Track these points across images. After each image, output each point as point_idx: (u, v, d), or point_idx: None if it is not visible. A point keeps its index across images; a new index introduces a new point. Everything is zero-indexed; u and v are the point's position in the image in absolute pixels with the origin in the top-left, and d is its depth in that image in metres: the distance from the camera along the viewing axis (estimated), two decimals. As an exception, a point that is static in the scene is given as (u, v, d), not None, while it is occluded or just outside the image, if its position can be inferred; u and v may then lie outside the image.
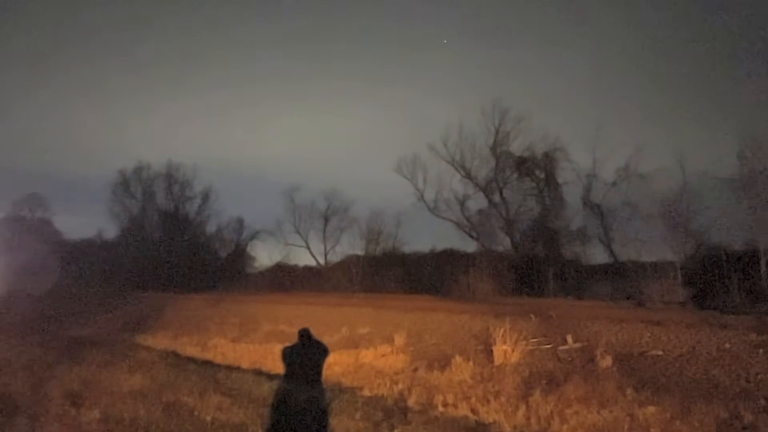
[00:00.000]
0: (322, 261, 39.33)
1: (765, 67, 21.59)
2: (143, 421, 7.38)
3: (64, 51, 74.46)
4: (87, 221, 59.19)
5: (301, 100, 72.96)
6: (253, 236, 43.47)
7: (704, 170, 23.04)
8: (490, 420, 7.61)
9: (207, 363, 12.73)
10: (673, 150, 34.84)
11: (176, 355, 13.91)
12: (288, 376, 5.20)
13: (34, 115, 73.22)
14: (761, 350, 9.33)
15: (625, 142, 32.17)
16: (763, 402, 7.50)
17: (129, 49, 76.26)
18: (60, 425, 7.22)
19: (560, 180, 30.17)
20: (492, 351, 10.91)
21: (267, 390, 8.93)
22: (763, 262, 20.13)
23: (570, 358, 10.56)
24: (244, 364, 12.34)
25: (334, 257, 39.08)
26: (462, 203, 32.23)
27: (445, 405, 8.32)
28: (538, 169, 30.77)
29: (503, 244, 31.20)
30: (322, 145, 65.44)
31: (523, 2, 63.64)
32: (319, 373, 5.28)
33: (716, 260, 21.63)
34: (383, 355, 12.31)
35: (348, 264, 36.02)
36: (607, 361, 9.83)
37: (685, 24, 52.23)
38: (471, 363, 10.51)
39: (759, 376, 8.44)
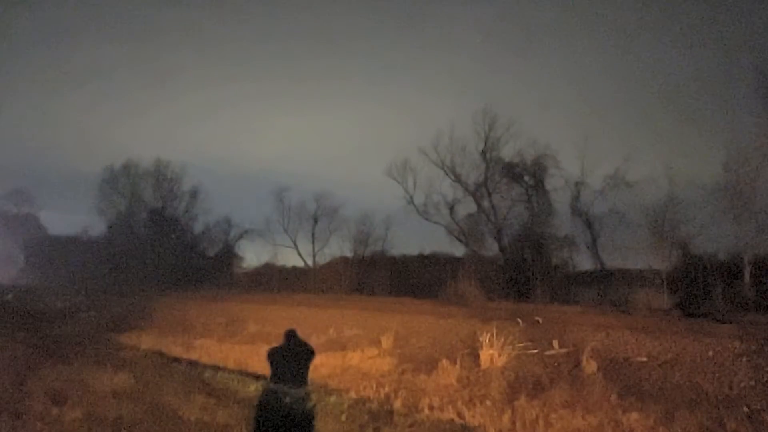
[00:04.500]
0: (310, 262, 39.17)
1: (752, 78, 22.05)
2: (126, 421, 7.32)
3: (53, 47, 73.87)
4: (73, 218, 58.58)
5: (292, 100, 72.86)
6: (241, 236, 43.21)
7: (691, 180, 23.27)
8: (476, 424, 7.64)
9: (192, 363, 12.64)
10: (661, 159, 35.11)
11: (161, 354, 13.81)
12: (274, 377, 5.18)
13: (22, 110, 72.47)
14: (744, 358, 9.42)
15: (613, 150, 32.32)
16: (746, 410, 7.58)
17: (119, 46, 75.78)
18: (42, 424, 7.14)
19: (549, 186, 30.28)
20: (479, 355, 10.93)
21: (252, 391, 8.89)
22: (747, 272, 20.35)
23: (556, 363, 10.60)
24: (230, 365, 12.27)
25: (323, 258, 38.91)
26: (451, 207, 32.23)
27: (431, 408, 8.32)
28: (527, 175, 30.87)
29: (491, 248, 31.24)
30: (313, 145, 65.43)
31: (514, 9, 64.03)
32: (305, 375, 5.26)
33: (701, 269, 21.85)
34: (370, 358, 12.30)
35: (336, 266, 35.92)
36: (592, 367, 9.89)
37: (675, 34, 52.79)
38: (457, 367, 10.53)
39: (742, 384, 8.53)
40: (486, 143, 31.38)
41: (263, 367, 9.60)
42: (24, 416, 7.40)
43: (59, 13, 71.77)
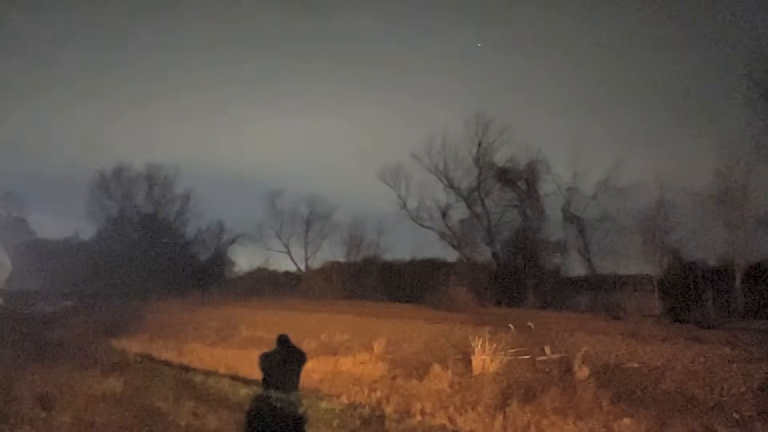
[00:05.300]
0: (302, 267, 39.06)
1: (744, 84, 22.23)
2: (116, 425, 7.28)
3: (43, 49, 73.45)
4: (64, 221, 58.19)
5: (285, 103, 72.56)
6: (234, 240, 43.01)
7: (682, 185, 23.34)
8: (468, 429, 7.64)
9: (183, 367, 12.59)
10: (652, 165, 35.30)
11: (151, 359, 13.75)
12: (265, 382, 5.16)
13: (11, 113, 72.00)
14: (735, 365, 9.45)
15: (605, 156, 32.43)
16: (736, 416, 7.60)
17: (110, 48, 75.44)
18: (31, 428, 7.08)
19: (541, 192, 30.28)
20: (471, 360, 10.92)
21: (244, 396, 8.86)
22: (738, 278, 20.46)
23: (548, 369, 10.61)
24: (221, 370, 12.21)
25: (315, 263, 38.75)
26: (444, 212, 32.22)
27: (422, 413, 8.32)
28: (519, 181, 30.92)
29: (484, 254, 31.23)
30: (306, 150, 65.13)
31: (508, 14, 64.36)
32: (297, 380, 5.25)
33: (692, 275, 21.92)
34: (362, 363, 12.27)
35: (328, 270, 35.78)
36: (584, 373, 9.90)
37: (668, 40, 53.21)
38: (449, 372, 10.52)
39: (732, 390, 8.55)
40: (479, 148, 31.45)
41: (255, 372, 9.57)
42: (12, 420, 7.34)
43: (49, 16, 71.47)
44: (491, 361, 10.78)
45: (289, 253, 39.54)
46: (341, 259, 36.88)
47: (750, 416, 7.58)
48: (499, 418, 7.90)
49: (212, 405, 8.52)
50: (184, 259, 42.41)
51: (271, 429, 4.80)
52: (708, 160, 22.47)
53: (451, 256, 32.08)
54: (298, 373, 5.24)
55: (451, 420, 8.01)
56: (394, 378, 10.88)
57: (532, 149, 30.29)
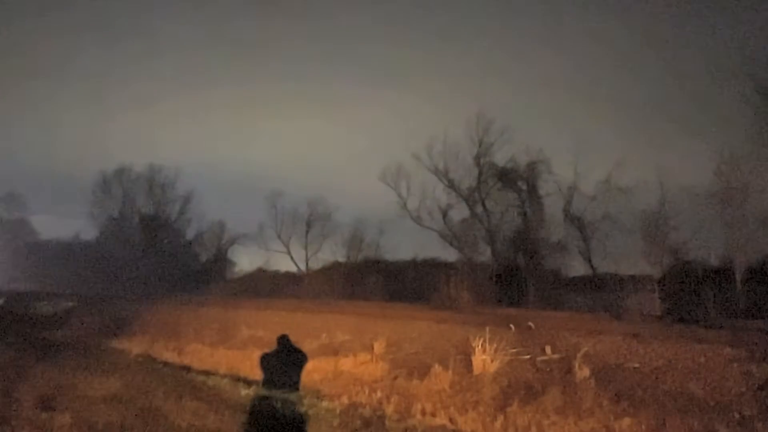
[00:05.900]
0: (303, 267, 39.13)
1: (744, 85, 22.24)
2: (117, 426, 7.28)
3: (44, 49, 73.58)
4: (66, 222, 58.32)
5: (286, 104, 72.70)
6: (234, 241, 43.16)
7: (683, 185, 23.38)
8: (468, 429, 7.65)
9: (184, 368, 12.59)
10: (653, 165, 35.22)
11: (152, 359, 13.76)
12: (266, 382, 5.19)
13: (12, 114, 72.10)
14: (736, 364, 9.44)
15: (606, 156, 32.41)
16: (737, 416, 7.60)
17: (111, 48, 75.57)
18: (31, 429, 7.09)
19: (542, 192, 30.38)
20: (471, 360, 10.92)
21: (244, 396, 8.85)
22: (738, 278, 20.48)
23: (548, 369, 10.59)
24: (222, 370, 12.20)
25: (316, 264, 38.87)
26: (445, 213, 32.31)
27: (423, 414, 8.32)
28: (520, 181, 31.00)
29: (485, 254, 31.28)
30: (307, 150, 65.19)
31: (508, 14, 64.38)
32: (298, 380, 5.26)
33: (693, 275, 21.94)
34: (363, 363, 12.26)
35: (329, 271, 35.85)
36: (584, 373, 9.88)
37: (668, 40, 53.22)
38: (450, 372, 10.51)
39: (733, 391, 8.55)
40: (479, 148, 31.52)
41: (256, 373, 9.60)
42: (12, 422, 7.34)
43: (50, 17, 71.59)
44: (492, 361, 10.77)
45: (289, 253, 39.66)
46: (342, 259, 37.04)
47: (751, 416, 7.58)
48: (500, 418, 7.91)
49: (213, 405, 8.52)
50: (184, 259, 42.54)
51: (271, 429, 4.81)
52: (708, 160, 22.48)
53: (451, 256, 32.17)
54: (298, 373, 5.26)
55: (451, 420, 8.02)
56: (394, 378, 10.87)
57: (532, 149, 30.44)
